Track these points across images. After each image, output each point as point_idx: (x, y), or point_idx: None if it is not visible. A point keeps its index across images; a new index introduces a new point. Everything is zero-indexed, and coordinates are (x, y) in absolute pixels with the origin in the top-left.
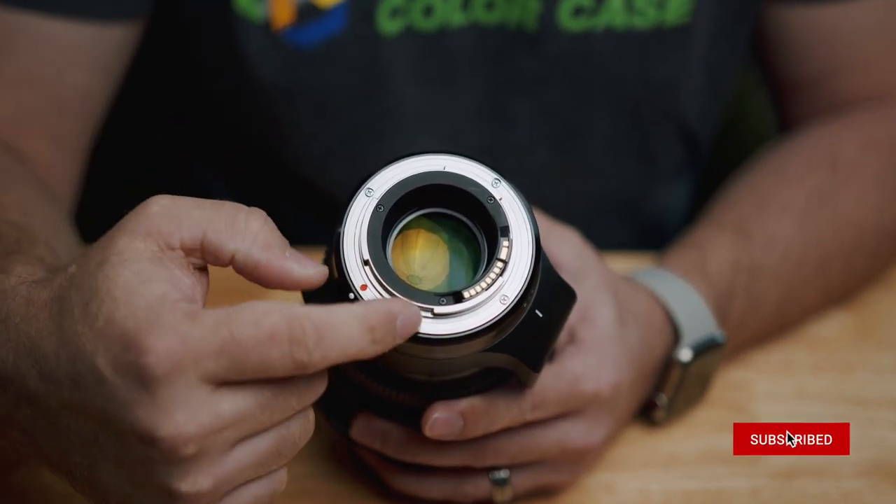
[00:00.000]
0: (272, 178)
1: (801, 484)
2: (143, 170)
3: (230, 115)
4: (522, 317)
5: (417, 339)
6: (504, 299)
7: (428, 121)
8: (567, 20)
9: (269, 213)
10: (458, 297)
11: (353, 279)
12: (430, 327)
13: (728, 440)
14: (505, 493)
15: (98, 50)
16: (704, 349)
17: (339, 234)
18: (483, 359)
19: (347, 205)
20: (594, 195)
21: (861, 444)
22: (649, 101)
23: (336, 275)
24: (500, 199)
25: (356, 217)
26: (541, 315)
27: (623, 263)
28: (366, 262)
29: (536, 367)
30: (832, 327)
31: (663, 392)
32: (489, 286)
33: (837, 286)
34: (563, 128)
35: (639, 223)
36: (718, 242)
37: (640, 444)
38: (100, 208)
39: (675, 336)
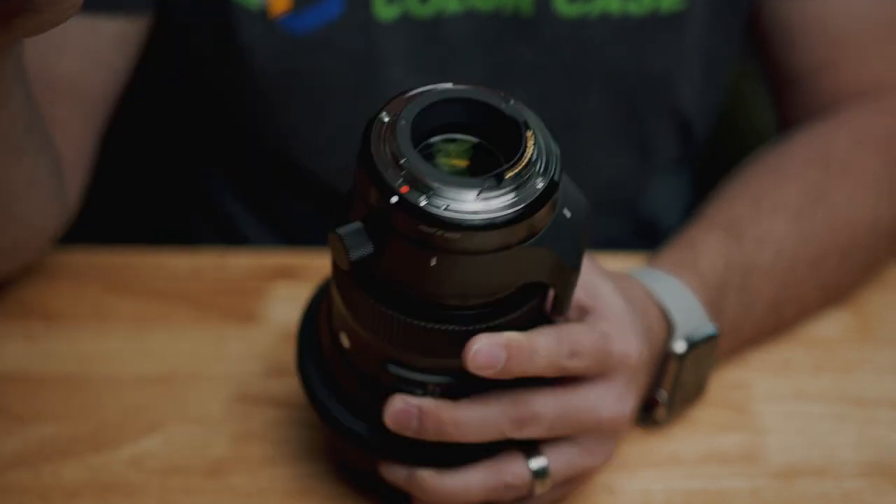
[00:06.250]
0: (271, 170)
1: (801, 484)
2: (144, 167)
3: (229, 106)
4: (556, 213)
5: (468, 226)
6: (540, 182)
7: None
8: (562, 5)
9: (268, 206)
10: (499, 179)
11: (392, 182)
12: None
13: (728, 440)
14: (545, 485)
15: (90, 41)
16: (698, 342)
17: (368, 153)
18: (521, 262)
19: (367, 132)
20: (591, 186)
21: (861, 444)
22: (645, 89)
23: (376, 195)
24: (514, 104)
25: (379, 135)
26: (569, 215)
27: (622, 263)
28: (401, 167)
29: (575, 264)
30: (832, 327)
31: (663, 387)
32: (526, 168)
33: (833, 284)
34: (559, 116)
35: (637, 217)
36: (710, 240)
37: (640, 444)
38: (104, 208)
39: (670, 330)
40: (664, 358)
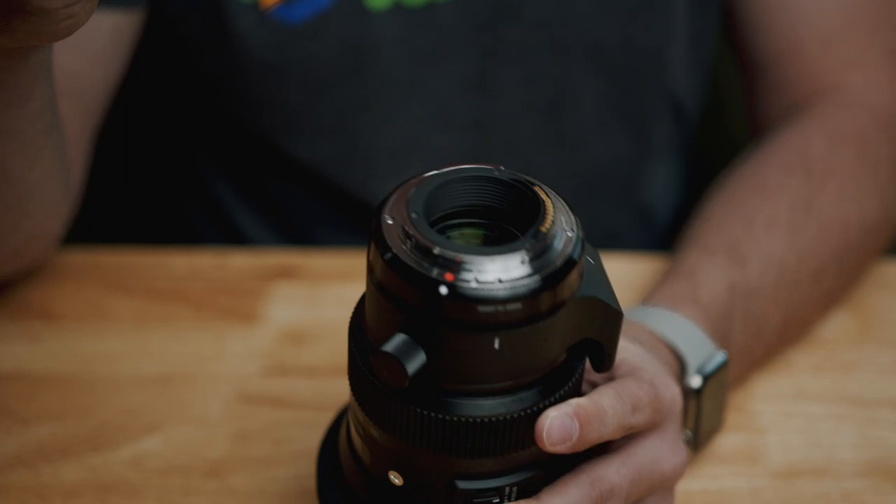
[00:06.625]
0: (265, 159)
1: (801, 484)
2: (139, 161)
3: (222, 95)
4: (584, 264)
5: (527, 292)
6: (568, 228)
7: (417, 95)
8: None
9: (263, 195)
10: (536, 235)
11: (432, 275)
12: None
13: (728, 440)
14: None
15: (88, 36)
16: (711, 373)
17: (394, 257)
18: (576, 317)
19: (380, 237)
20: (585, 168)
21: (861, 444)
22: (634, 68)
23: (418, 295)
24: (505, 170)
25: (394, 236)
26: (592, 261)
27: (628, 264)
28: (435, 257)
29: (619, 308)
30: (832, 327)
31: (686, 427)
32: (553, 220)
33: (834, 292)
34: (550, 96)
35: (634, 204)
36: (710, 268)
37: None
38: (104, 205)
39: (682, 366)
40: (682, 396)
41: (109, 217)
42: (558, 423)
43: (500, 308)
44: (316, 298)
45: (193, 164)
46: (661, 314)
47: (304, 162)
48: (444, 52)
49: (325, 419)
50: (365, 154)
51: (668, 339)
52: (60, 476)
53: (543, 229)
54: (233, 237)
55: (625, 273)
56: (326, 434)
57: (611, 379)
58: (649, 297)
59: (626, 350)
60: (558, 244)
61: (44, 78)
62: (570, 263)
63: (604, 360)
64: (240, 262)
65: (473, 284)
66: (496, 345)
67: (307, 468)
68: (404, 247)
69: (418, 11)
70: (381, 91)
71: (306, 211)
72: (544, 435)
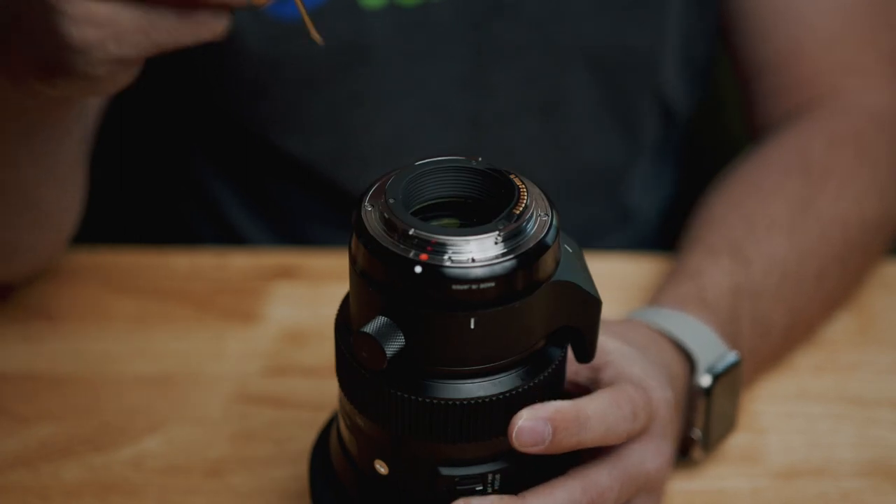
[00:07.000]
0: (259, 156)
1: (801, 484)
2: (140, 163)
3: (216, 91)
4: (560, 249)
5: (500, 271)
6: (543, 213)
7: (412, 92)
8: None
9: (258, 193)
10: (510, 217)
11: (408, 256)
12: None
13: (728, 440)
14: None
15: None
16: (722, 372)
17: (373, 242)
18: (553, 301)
19: (360, 225)
20: (578, 168)
21: (861, 444)
22: (627, 67)
23: (395, 275)
24: (483, 160)
25: (372, 222)
26: (570, 250)
27: (621, 263)
28: (412, 238)
29: (597, 295)
30: (832, 327)
31: (696, 426)
32: (529, 202)
33: (838, 293)
34: (545, 95)
35: (622, 203)
36: (714, 269)
37: None
38: (102, 206)
39: (691, 365)
40: (691, 395)
41: (107, 217)
42: (529, 426)
43: (475, 287)
44: (316, 298)
45: (189, 164)
46: (669, 314)
47: (299, 159)
48: (438, 50)
49: (325, 419)
50: (360, 151)
51: (677, 337)
52: (61, 476)
53: (517, 211)
54: (230, 236)
55: (625, 273)
56: (318, 437)
57: (594, 375)
58: (655, 299)
59: (615, 352)
60: (532, 227)
61: (84, 116)
62: (543, 245)
63: (585, 349)
64: (240, 262)
65: (448, 264)
66: (472, 325)
67: (307, 468)
68: (382, 230)
69: (412, 10)
70: (375, 88)
71: (303, 209)
72: (514, 436)
